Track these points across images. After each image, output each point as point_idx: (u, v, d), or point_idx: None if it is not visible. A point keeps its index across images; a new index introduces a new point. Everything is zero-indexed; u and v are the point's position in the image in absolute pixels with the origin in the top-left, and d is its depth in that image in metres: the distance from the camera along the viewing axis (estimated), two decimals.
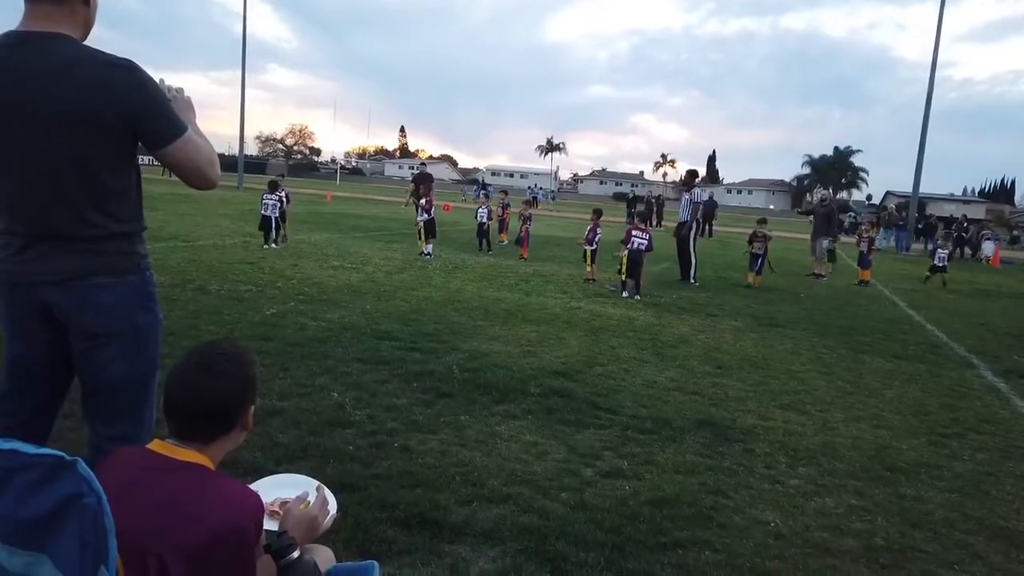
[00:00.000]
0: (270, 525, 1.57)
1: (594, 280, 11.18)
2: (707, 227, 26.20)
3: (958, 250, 29.93)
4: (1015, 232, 46.36)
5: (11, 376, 2.21)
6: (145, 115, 2.01)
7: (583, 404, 4.79)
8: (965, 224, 31.16)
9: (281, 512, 1.65)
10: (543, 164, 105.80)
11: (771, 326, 8.66)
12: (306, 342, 5.81)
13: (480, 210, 15.68)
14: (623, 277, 10.23)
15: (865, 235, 15.81)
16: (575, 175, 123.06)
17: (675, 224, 13.68)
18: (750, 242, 12.88)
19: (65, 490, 1.13)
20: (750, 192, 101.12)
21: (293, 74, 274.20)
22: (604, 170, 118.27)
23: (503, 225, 16.95)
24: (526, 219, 15.18)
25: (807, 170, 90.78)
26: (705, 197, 16.61)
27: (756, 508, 3.46)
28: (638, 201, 37.38)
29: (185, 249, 11.03)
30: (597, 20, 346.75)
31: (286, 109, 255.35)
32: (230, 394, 1.54)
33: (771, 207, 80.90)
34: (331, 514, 1.71)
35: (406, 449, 3.78)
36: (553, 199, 63.37)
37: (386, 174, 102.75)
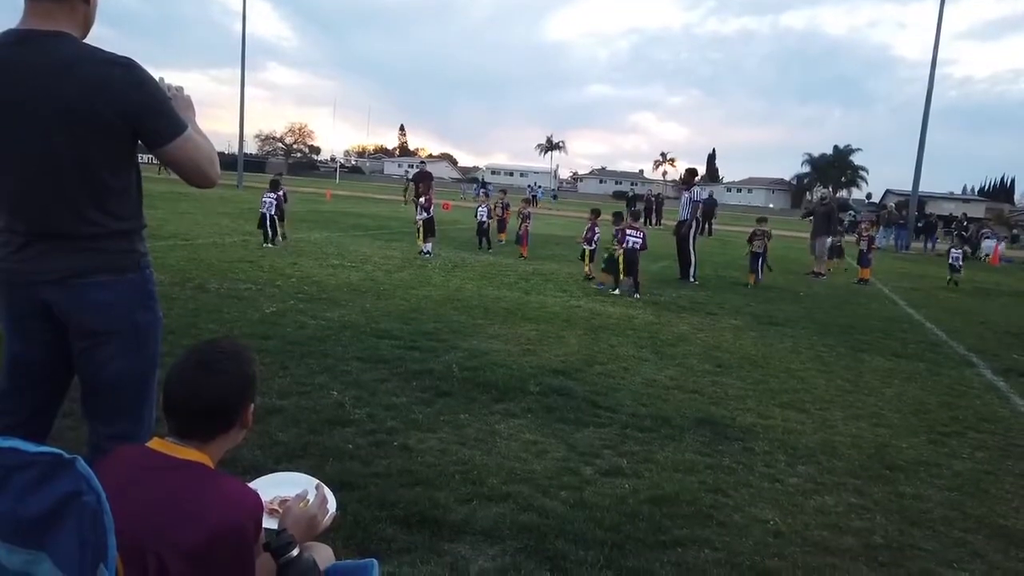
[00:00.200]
0: (269, 523, 1.57)
1: (593, 278, 11.19)
2: (707, 226, 26.21)
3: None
4: (1015, 231, 46.36)
5: (11, 375, 2.21)
6: (145, 113, 2.01)
7: (582, 402, 4.79)
8: (965, 223, 31.18)
9: (280, 510, 1.66)
10: (543, 163, 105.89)
11: (771, 325, 8.66)
12: (305, 340, 5.81)
13: (480, 209, 15.69)
14: (621, 276, 10.25)
15: (865, 234, 15.82)
16: (575, 174, 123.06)
17: (675, 223, 13.69)
18: (750, 240, 12.88)
19: (64, 488, 1.14)
20: (750, 191, 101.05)
21: (293, 72, 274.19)
22: (604, 169, 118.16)
23: (502, 224, 16.96)
24: (525, 217, 15.19)
25: (807, 169, 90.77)
26: (705, 196, 16.64)
27: (755, 506, 3.47)
28: (638, 200, 37.40)
29: (184, 247, 11.03)
30: (597, 19, 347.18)
31: (286, 108, 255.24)
32: (230, 392, 1.54)
33: (771, 205, 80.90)
34: (330, 512, 1.71)
35: (405, 448, 3.78)
36: (555, 198, 63.32)
37: (386, 172, 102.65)
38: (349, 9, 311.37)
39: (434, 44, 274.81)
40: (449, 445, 3.87)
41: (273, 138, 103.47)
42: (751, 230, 13.25)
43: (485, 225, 15.27)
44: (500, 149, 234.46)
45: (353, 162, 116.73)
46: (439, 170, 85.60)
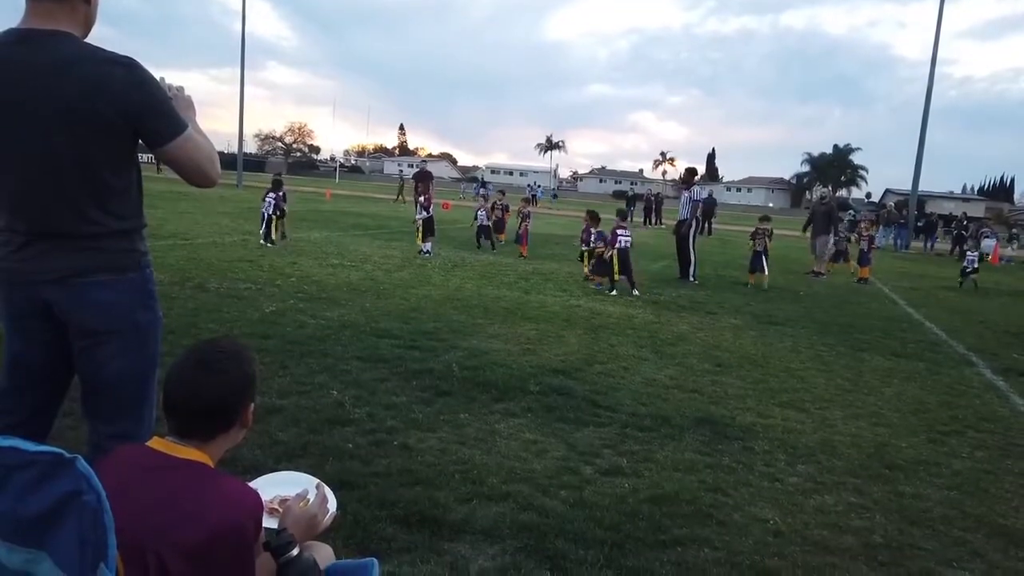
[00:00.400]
0: (269, 523, 1.57)
1: (593, 279, 11.19)
2: (707, 225, 26.22)
3: (957, 248, 29.94)
4: (1014, 230, 46.37)
5: (11, 375, 2.21)
6: (146, 113, 2.01)
7: (582, 402, 4.79)
8: (965, 222, 31.19)
9: (280, 510, 1.66)
10: (543, 162, 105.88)
11: (770, 324, 8.66)
12: (305, 340, 5.81)
13: (479, 212, 15.72)
14: (615, 276, 10.27)
15: (865, 233, 15.79)
16: (574, 173, 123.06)
17: (675, 222, 13.68)
18: (752, 238, 12.86)
19: (64, 487, 1.14)
20: (749, 190, 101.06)
21: (292, 72, 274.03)
22: (604, 168, 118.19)
23: (501, 225, 16.92)
24: (525, 217, 15.18)
25: (807, 168, 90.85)
26: (704, 195, 16.60)
27: (755, 506, 3.47)
28: (637, 199, 37.41)
29: (184, 247, 11.03)
30: (597, 19, 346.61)
31: (285, 107, 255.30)
32: (229, 392, 1.54)
33: (770, 205, 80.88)
34: (330, 512, 1.71)
35: (405, 447, 3.78)
36: (554, 197, 63.29)
37: (385, 172, 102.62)
38: (348, 9, 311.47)
39: (434, 43, 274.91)
40: (449, 444, 3.87)
41: (273, 137, 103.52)
42: (753, 228, 13.22)
43: (485, 224, 15.30)
44: (500, 148, 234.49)
45: (353, 162, 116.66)
46: (439, 169, 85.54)
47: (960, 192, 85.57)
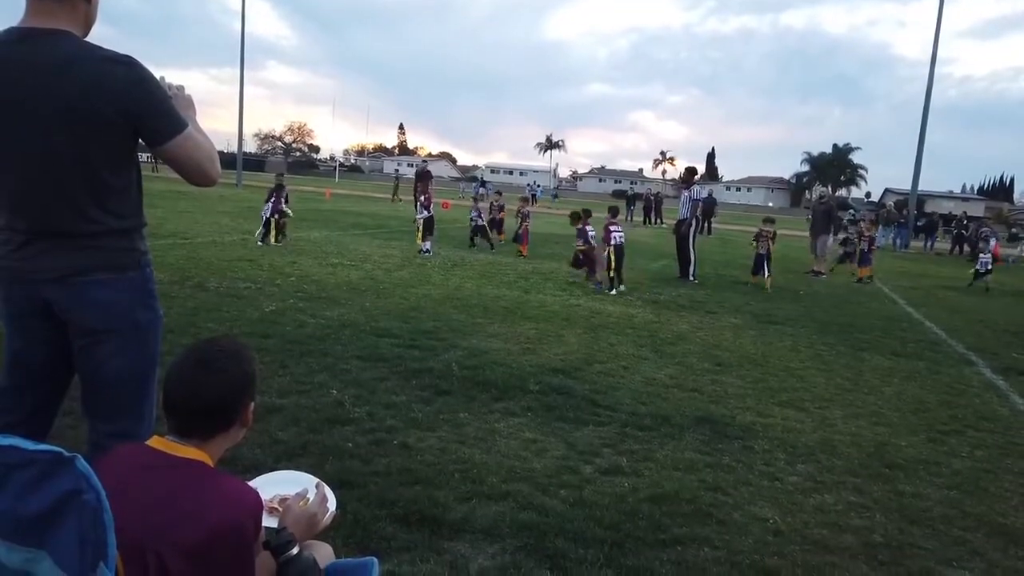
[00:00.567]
0: (269, 522, 1.57)
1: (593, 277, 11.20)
2: (706, 224, 26.21)
3: (957, 248, 29.96)
4: (1014, 230, 46.38)
5: (11, 373, 2.21)
6: (145, 112, 2.01)
7: (582, 401, 4.79)
8: (965, 222, 31.20)
9: (280, 509, 1.66)
10: (542, 161, 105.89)
11: (770, 323, 8.66)
12: (305, 339, 5.81)
13: (472, 213, 15.76)
14: (611, 272, 10.30)
15: (866, 234, 15.68)
16: (574, 172, 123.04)
17: (674, 221, 13.68)
18: (756, 240, 12.83)
19: (64, 486, 1.13)
20: (749, 189, 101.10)
21: (292, 71, 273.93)
22: (603, 167, 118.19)
23: (500, 224, 16.89)
24: (524, 216, 15.18)
25: (806, 167, 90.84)
26: (704, 194, 16.60)
27: (755, 505, 3.47)
28: (637, 198, 37.42)
29: (184, 246, 11.03)
30: (597, 18, 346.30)
31: (285, 106, 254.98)
32: (229, 391, 1.53)
33: (770, 204, 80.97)
34: (330, 511, 1.71)
35: (405, 446, 3.78)
36: (555, 197, 63.29)
37: (385, 171, 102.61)
38: (348, 8, 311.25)
39: (433, 43, 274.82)
40: (449, 444, 3.87)
41: (272, 137, 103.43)
42: (757, 230, 13.17)
43: (480, 224, 15.37)
44: (499, 148, 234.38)
45: (352, 161, 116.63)
46: (439, 169, 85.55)
47: (960, 192, 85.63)
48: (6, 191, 2.04)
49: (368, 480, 3.31)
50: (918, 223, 32.88)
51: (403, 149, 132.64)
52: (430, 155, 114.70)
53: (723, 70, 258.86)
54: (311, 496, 1.69)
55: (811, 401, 5.37)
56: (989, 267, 15.65)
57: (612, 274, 10.30)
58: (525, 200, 17.27)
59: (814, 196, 43.88)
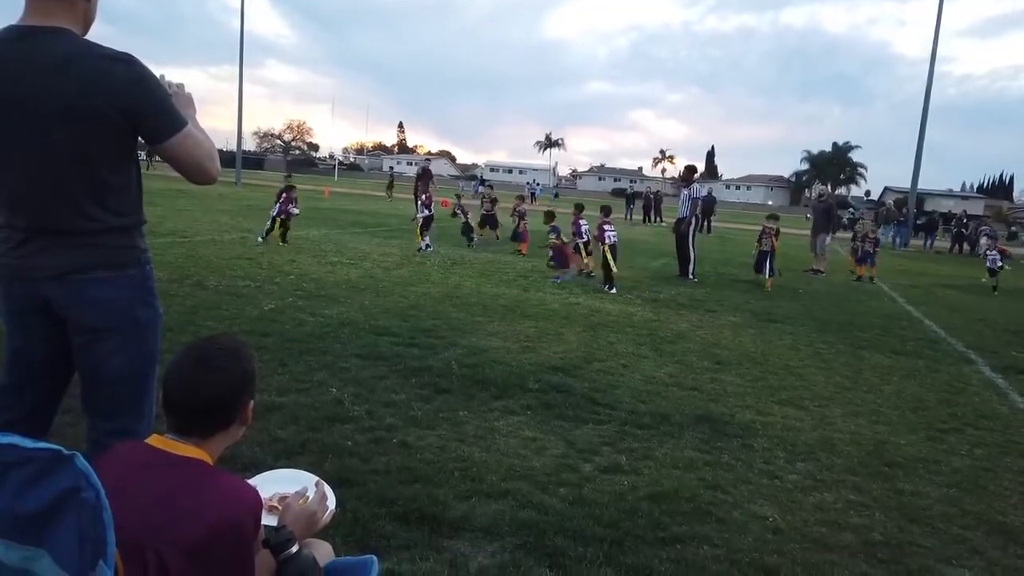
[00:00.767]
0: (269, 520, 1.57)
1: (592, 274, 11.20)
2: (706, 223, 26.19)
3: (957, 246, 29.99)
4: (1013, 228, 46.41)
5: (11, 371, 2.21)
6: (145, 110, 2.01)
7: (582, 399, 4.79)
8: (964, 220, 31.22)
9: (280, 507, 1.66)
10: (542, 160, 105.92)
11: (770, 322, 8.66)
12: (304, 338, 5.81)
13: (457, 210, 15.93)
14: (612, 270, 10.31)
15: (872, 235, 15.46)
16: (574, 171, 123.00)
17: (674, 220, 13.68)
18: (759, 239, 12.78)
19: (63, 484, 1.13)
20: (749, 188, 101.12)
21: (291, 70, 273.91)
22: (603, 166, 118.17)
23: (493, 221, 16.83)
24: (521, 215, 15.17)
25: (806, 166, 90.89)
26: (704, 193, 16.60)
27: (754, 503, 3.47)
28: (637, 197, 37.40)
29: (183, 244, 11.02)
30: (596, 17, 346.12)
31: (284, 105, 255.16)
32: (229, 389, 1.53)
33: (769, 202, 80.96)
34: (330, 509, 1.71)
35: (405, 445, 3.78)
36: (555, 196, 63.29)
37: (384, 170, 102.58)
38: (347, 6, 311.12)
39: (433, 41, 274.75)
40: (448, 442, 3.87)
41: (272, 135, 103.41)
42: (760, 228, 13.06)
43: (466, 221, 15.49)
44: (499, 146, 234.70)
45: (352, 159, 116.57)
46: (438, 167, 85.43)
47: (959, 190, 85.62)
48: (5, 189, 2.04)
49: (367, 478, 3.31)
50: (918, 221, 32.88)
51: (402, 147, 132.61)
52: (430, 153, 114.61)
53: (723, 68, 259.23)
54: (310, 494, 1.69)
55: (810, 399, 5.37)
56: (999, 263, 15.50)
57: (602, 272, 10.34)
58: (521, 198, 17.20)
59: (813, 194, 43.91)
